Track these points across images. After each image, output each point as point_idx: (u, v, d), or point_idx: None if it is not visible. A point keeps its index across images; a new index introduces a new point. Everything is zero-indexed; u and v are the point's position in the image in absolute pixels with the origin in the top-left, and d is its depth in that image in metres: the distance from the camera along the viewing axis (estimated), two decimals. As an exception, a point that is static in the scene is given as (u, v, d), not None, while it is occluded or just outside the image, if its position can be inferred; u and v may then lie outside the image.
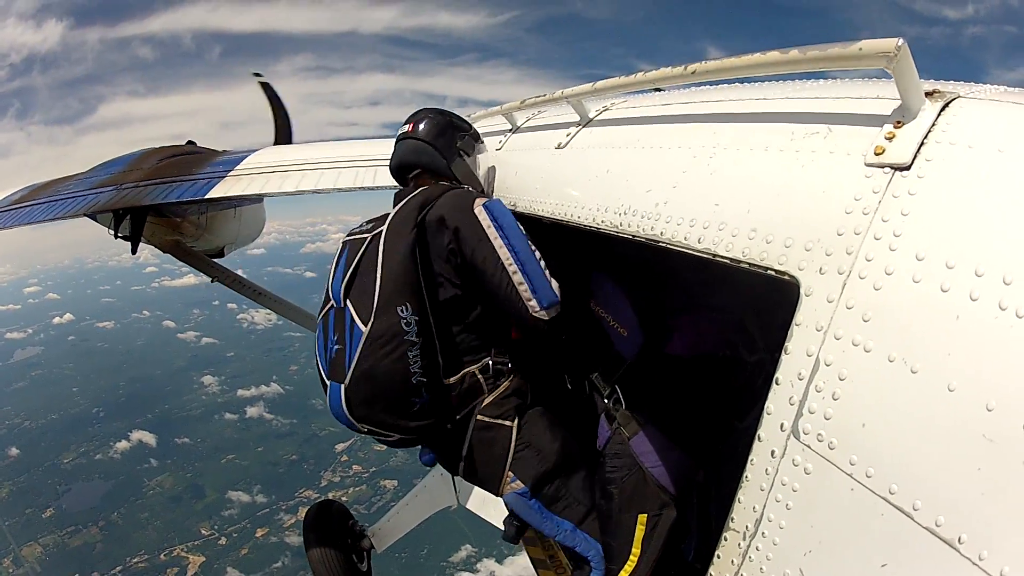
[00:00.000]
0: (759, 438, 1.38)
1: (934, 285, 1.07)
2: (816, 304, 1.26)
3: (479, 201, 2.34)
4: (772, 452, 1.34)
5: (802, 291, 1.29)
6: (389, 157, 2.87)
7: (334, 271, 2.43)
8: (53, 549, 54.09)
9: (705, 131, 1.81)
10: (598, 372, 2.67)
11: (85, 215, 4.58)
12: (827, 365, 1.22)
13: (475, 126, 2.94)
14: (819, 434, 1.23)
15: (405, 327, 2.15)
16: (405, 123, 2.84)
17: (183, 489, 63.59)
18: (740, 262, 1.44)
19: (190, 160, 4.90)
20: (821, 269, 1.27)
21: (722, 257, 1.49)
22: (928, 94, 1.26)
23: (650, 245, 1.78)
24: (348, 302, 2.28)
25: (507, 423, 2.41)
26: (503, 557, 48.29)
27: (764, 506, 1.37)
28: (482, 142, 2.96)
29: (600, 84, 2.22)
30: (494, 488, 2.50)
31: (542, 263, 2.28)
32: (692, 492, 2.47)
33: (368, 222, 2.52)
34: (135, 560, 52.58)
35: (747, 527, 1.42)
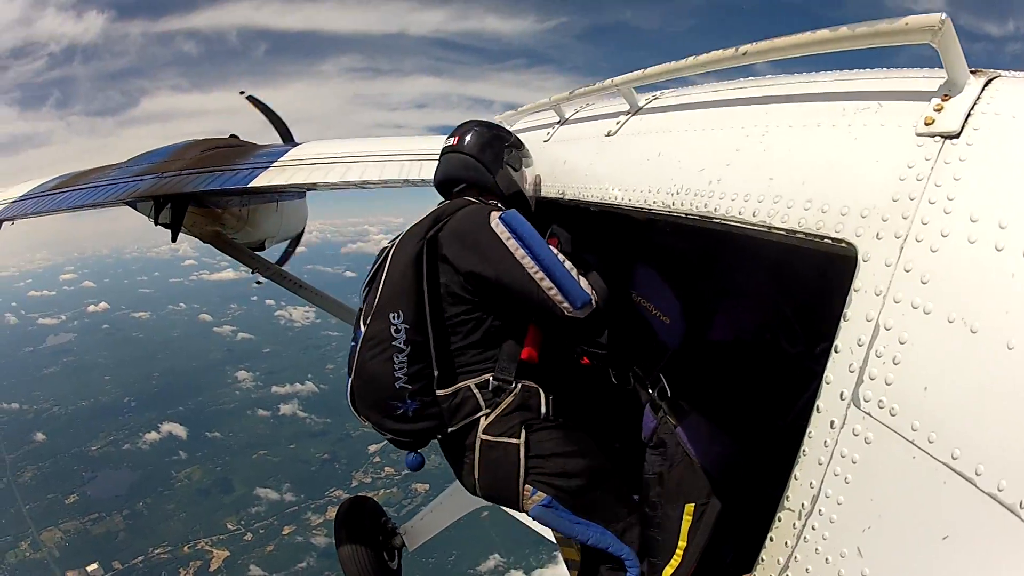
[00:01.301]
0: (817, 409, 1.36)
1: (989, 245, 1.09)
2: (874, 269, 1.26)
3: (495, 214, 2.33)
4: (831, 423, 1.32)
5: (859, 257, 1.29)
6: (434, 154, 2.90)
7: (367, 273, 2.60)
8: (74, 535, 54.15)
9: (757, 112, 1.82)
10: (642, 362, 2.63)
11: (125, 203, 4.66)
12: (887, 329, 1.22)
13: (523, 119, 2.89)
14: (880, 400, 1.22)
15: (394, 333, 2.27)
16: (450, 136, 2.84)
17: (211, 483, 63.48)
18: (796, 232, 1.44)
19: (233, 151, 4.97)
20: (878, 235, 1.27)
21: (777, 229, 1.49)
22: (971, 72, 1.29)
23: (696, 231, 1.80)
24: (363, 303, 2.46)
25: (513, 440, 2.36)
26: (531, 568, 47.71)
27: (822, 481, 1.35)
28: (529, 156, 2.93)
29: (651, 70, 2.23)
30: (514, 505, 2.46)
31: (567, 264, 2.28)
32: (738, 483, 2.40)
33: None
34: (157, 551, 52.35)
35: (803, 505, 1.39)
